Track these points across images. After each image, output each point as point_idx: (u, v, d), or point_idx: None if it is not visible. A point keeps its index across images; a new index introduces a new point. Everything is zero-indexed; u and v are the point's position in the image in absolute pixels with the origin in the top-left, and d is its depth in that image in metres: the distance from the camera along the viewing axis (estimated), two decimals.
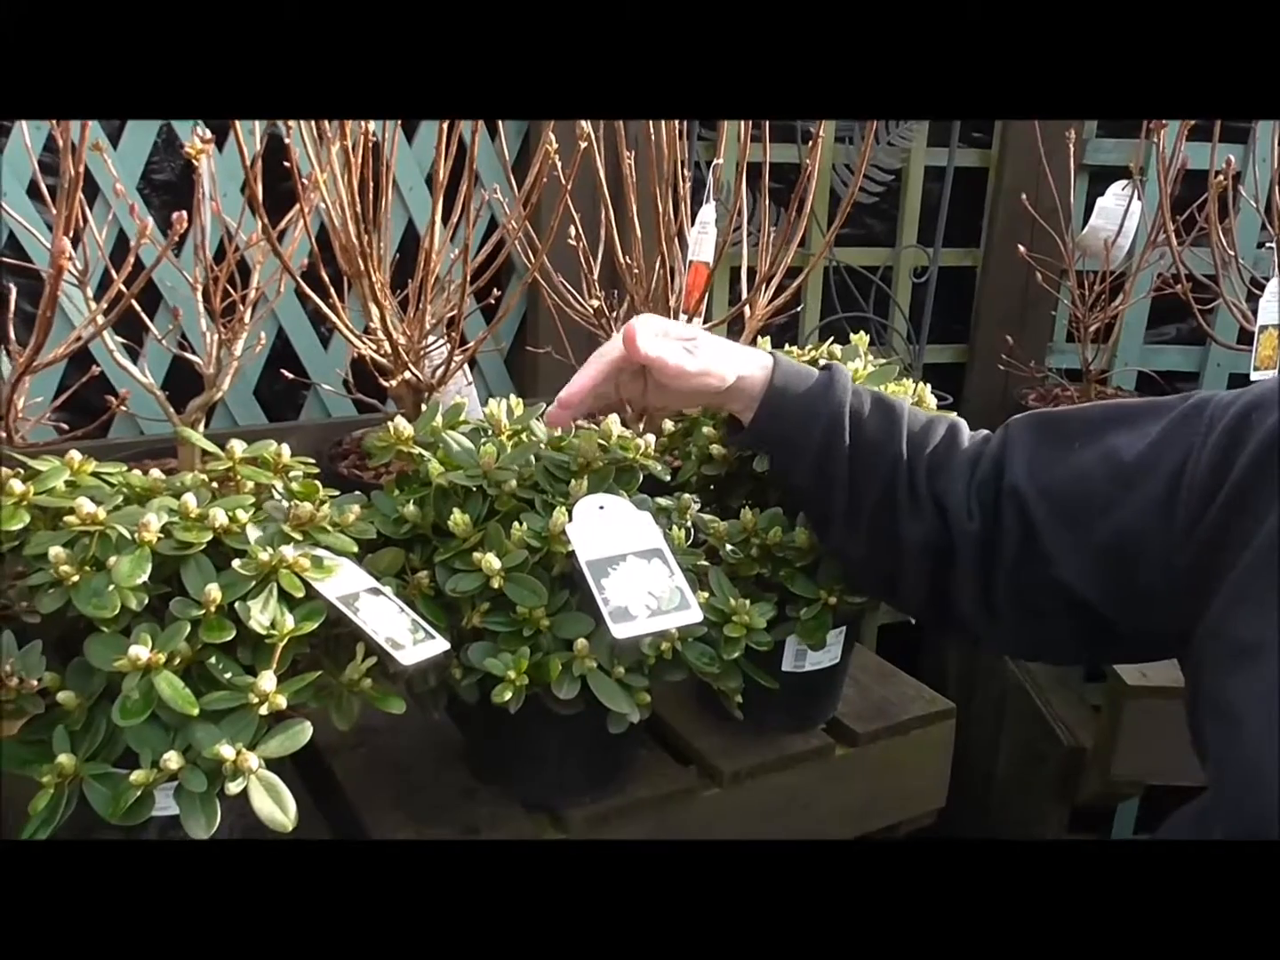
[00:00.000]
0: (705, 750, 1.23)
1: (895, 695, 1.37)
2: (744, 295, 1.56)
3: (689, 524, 1.12)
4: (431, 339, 1.37)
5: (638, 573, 0.96)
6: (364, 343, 1.29)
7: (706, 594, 1.03)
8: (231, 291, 1.34)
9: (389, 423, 1.05)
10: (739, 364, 1.01)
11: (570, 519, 0.98)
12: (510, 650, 0.95)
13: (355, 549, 0.92)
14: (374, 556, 1.00)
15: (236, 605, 0.83)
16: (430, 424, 1.07)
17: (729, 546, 1.12)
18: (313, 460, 1.03)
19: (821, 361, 1.21)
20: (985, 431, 1.04)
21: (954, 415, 1.05)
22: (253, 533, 0.88)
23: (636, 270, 1.45)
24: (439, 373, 1.34)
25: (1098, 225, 1.87)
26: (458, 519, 0.98)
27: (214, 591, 0.83)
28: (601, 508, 1.01)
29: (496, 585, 0.95)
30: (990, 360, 2.17)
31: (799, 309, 2.13)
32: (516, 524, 0.98)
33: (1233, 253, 1.77)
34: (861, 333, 1.30)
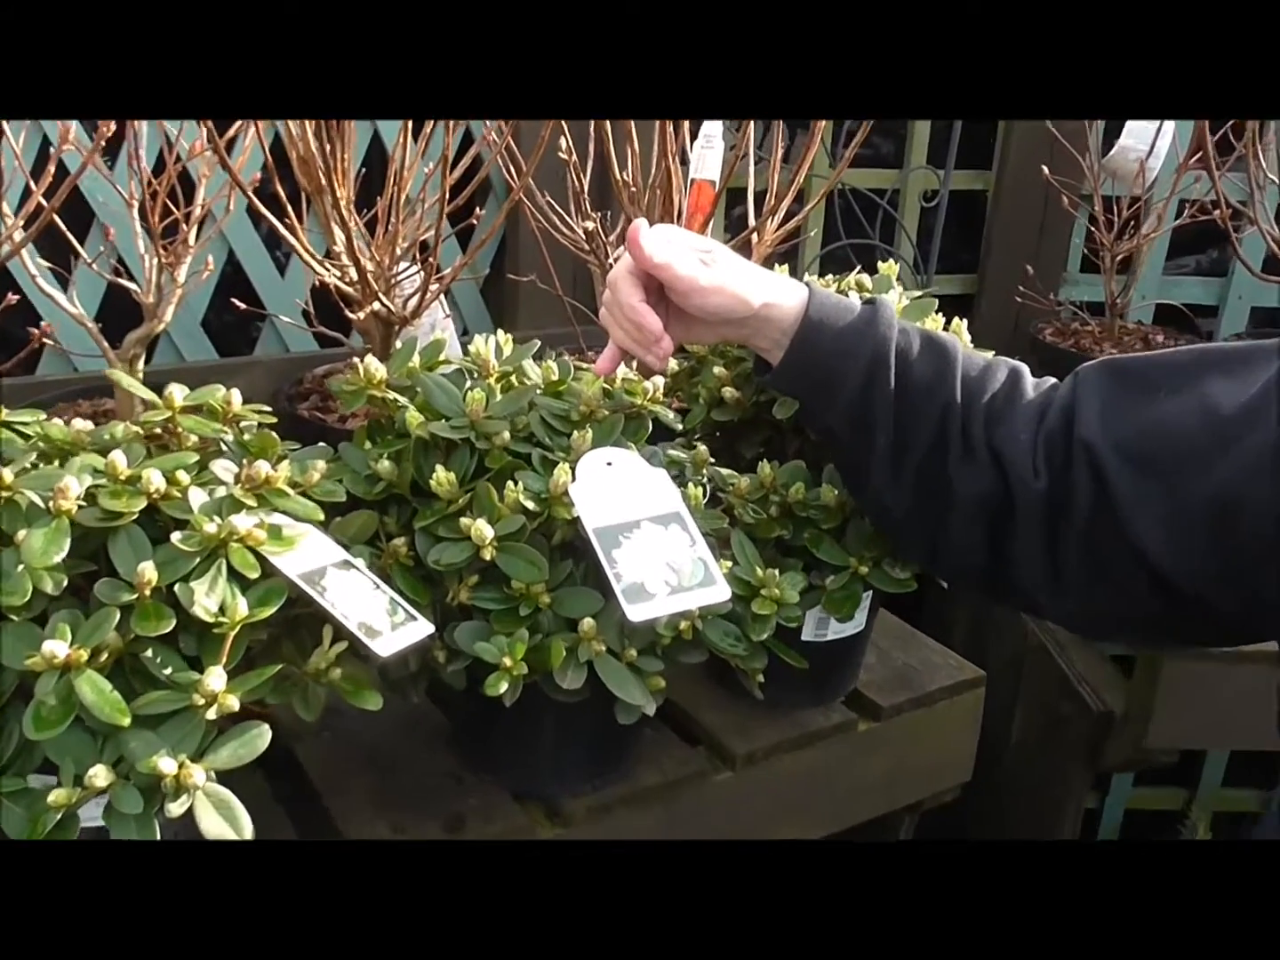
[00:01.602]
0: (715, 728, 1.10)
1: (919, 662, 1.25)
2: (749, 220, 1.41)
3: (705, 480, 0.98)
4: (403, 265, 1.21)
5: (654, 542, 0.82)
6: (327, 269, 1.13)
7: (729, 563, 0.89)
8: (173, 209, 1.17)
9: (358, 362, 0.90)
10: (766, 289, 0.87)
11: (574, 478, 0.84)
12: (505, 632, 0.81)
13: (321, 516, 0.77)
14: (342, 521, 0.86)
15: (177, 588, 0.69)
16: (406, 364, 0.92)
17: (747, 504, 0.98)
18: (269, 408, 0.87)
19: (852, 294, 1.07)
20: (1052, 379, 0.90)
21: (1014, 361, 0.92)
22: (196, 498, 0.73)
23: (634, 189, 1.29)
24: (412, 303, 1.18)
25: (1127, 145, 1.72)
26: (441, 477, 0.83)
27: (149, 571, 0.68)
28: (610, 464, 0.86)
29: (488, 556, 0.81)
30: (1001, 291, 2.03)
31: (800, 237, 1.98)
32: (510, 484, 0.83)
33: (1274, 177, 1.63)
34: (891, 261, 1.15)
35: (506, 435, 0.86)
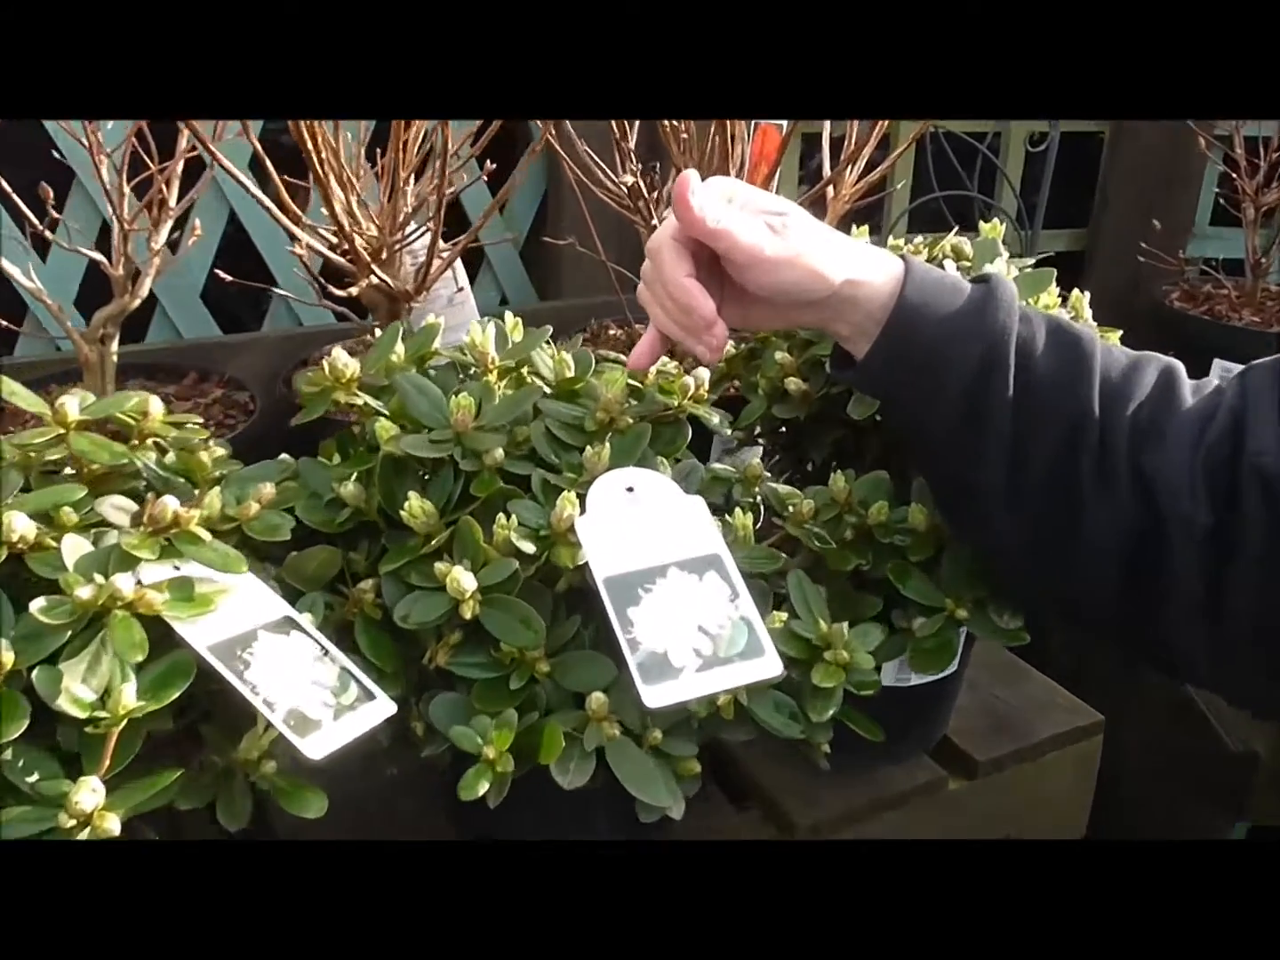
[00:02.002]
0: (773, 789, 0.92)
1: (1023, 702, 1.04)
2: (824, 171, 1.19)
3: (758, 500, 0.78)
4: (414, 228, 1.02)
5: (684, 596, 0.63)
6: (316, 237, 0.95)
7: (783, 615, 0.70)
8: (148, 162, 1.00)
9: (326, 358, 0.72)
10: (850, 263, 0.67)
11: (583, 509, 0.65)
12: (490, 709, 0.63)
13: (243, 567, 0.59)
14: (298, 558, 0.68)
15: (35, 674, 0.52)
16: (385, 358, 0.74)
17: (813, 528, 0.78)
18: (200, 420, 0.70)
19: (949, 264, 0.86)
20: (1215, 381, 0.69)
21: (1166, 357, 0.70)
22: (72, 549, 0.56)
23: (685, 135, 1.09)
24: (422, 274, 1.00)
25: None
26: (414, 507, 0.65)
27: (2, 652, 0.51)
28: (631, 490, 0.67)
29: (469, 614, 0.63)
30: (1118, 248, 1.78)
31: (886, 190, 1.74)
32: (502, 516, 0.65)
33: None
34: (996, 220, 0.93)
35: (499, 453, 0.67)
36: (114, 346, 1.03)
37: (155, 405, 0.67)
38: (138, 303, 1.03)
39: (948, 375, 0.67)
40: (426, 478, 0.69)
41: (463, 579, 0.62)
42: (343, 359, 0.71)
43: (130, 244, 1.00)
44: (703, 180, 0.66)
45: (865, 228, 0.96)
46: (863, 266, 0.67)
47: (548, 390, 0.75)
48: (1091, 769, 1.04)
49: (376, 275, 0.92)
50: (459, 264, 1.08)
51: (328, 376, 0.71)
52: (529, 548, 0.64)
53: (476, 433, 0.68)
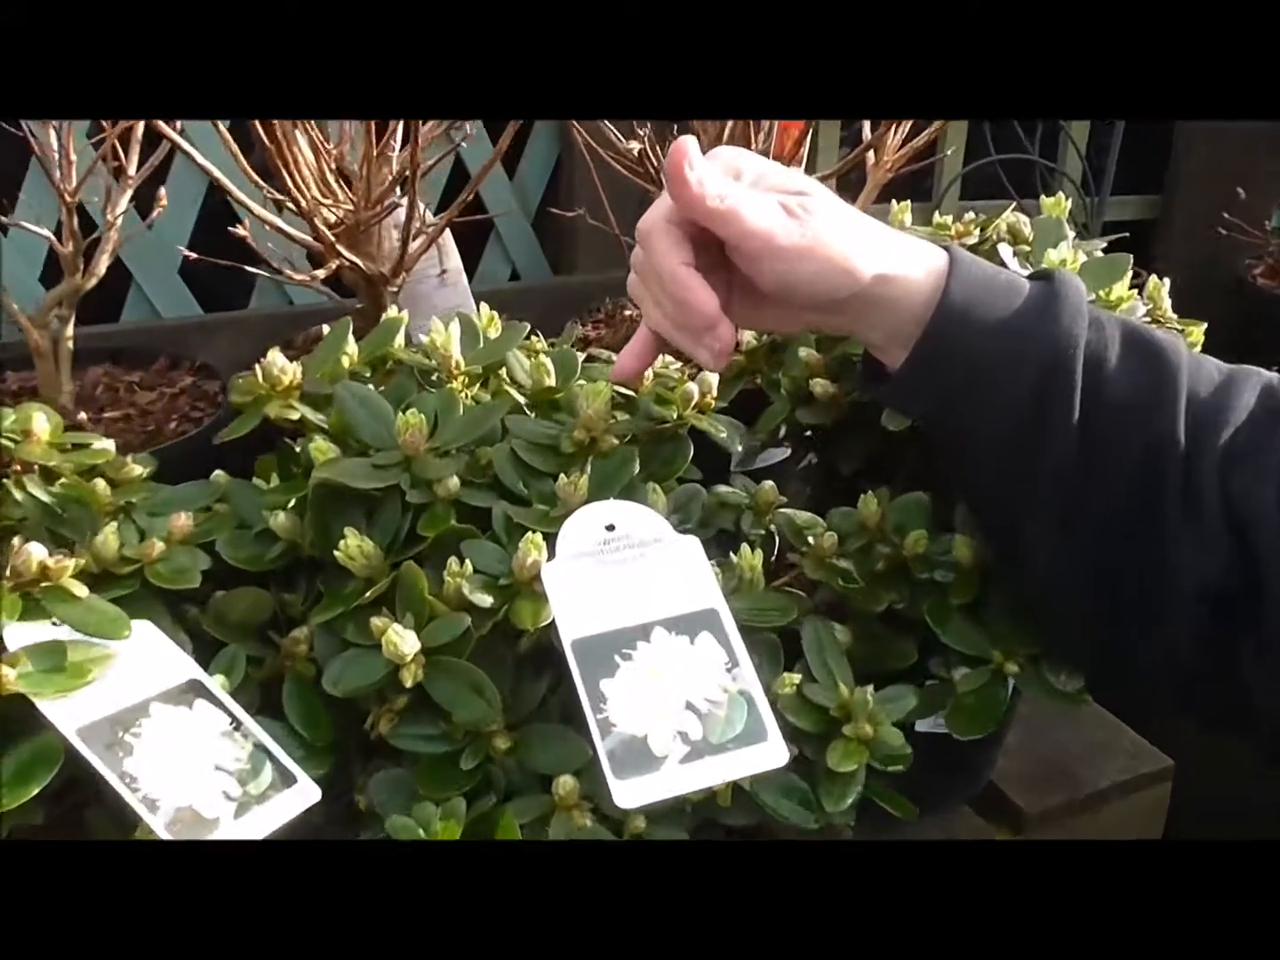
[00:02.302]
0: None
1: (1080, 743, 0.92)
2: (864, 134, 1.06)
3: (770, 529, 0.67)
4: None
5: (670, 663, 0.52)
6: (275, 210, 0.84)
7: (795, 677, 0.59)
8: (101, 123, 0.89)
9: (260, 362, 0.61)
10: (884, 255, 0.55)
11: (550, 553, 0.54)
12: (436, 794, 0.52)
13: (126, 631, 0.49)
14: (222, 600, 0.58)
15: None
16: (332, 360, 0.63)
17: (838, 561, 0.66)
18: (86, 435, 0.60)
19: (1004, 249, 0.73)
20: None
21: (1269, 373, 0.57)
22: None
23: None
24: (410, 251, 0.88)
25: None
26: (351, 547, 0.54)
27: None
28: (611, 527, 0.56)
29: (409, 681, 0.52)
30: (1195, 217, 1.62)
31: (935, 155, 1.60)
32: (454, 562, 0.54)
33: None
34: (1061, 195, 0.80)
35: (454, 482, 0.56)
36: (69, 330, 0.93)
37: (40, 423, 0.56)
38: (93, 282, 0.92)
39: (999, 395, 0.55)
40: (370, 511, 0.57)
41: (402, 639, 0.51)
42: (279, 362, 0.60)
43: (69, 217, 0.89)
44: (706, 150, 0.55)
45: (906, 203, 0.83)
46: (898, 259, 0.55)
47: (523, 400, 0.63)
48: (1158, 821, 0.91)
49: (342, 256, 0.80)
50: (448, 240, 0.96)
51: (261, 383, 0.61)
52: (484, 600, 0.53)
53: (428, 456, 0.57)
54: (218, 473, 0.63)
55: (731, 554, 0.61)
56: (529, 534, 0.54)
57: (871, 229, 0.56)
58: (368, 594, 0.53)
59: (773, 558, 0.68)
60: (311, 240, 0.81)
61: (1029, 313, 0.55)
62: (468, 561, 0.54)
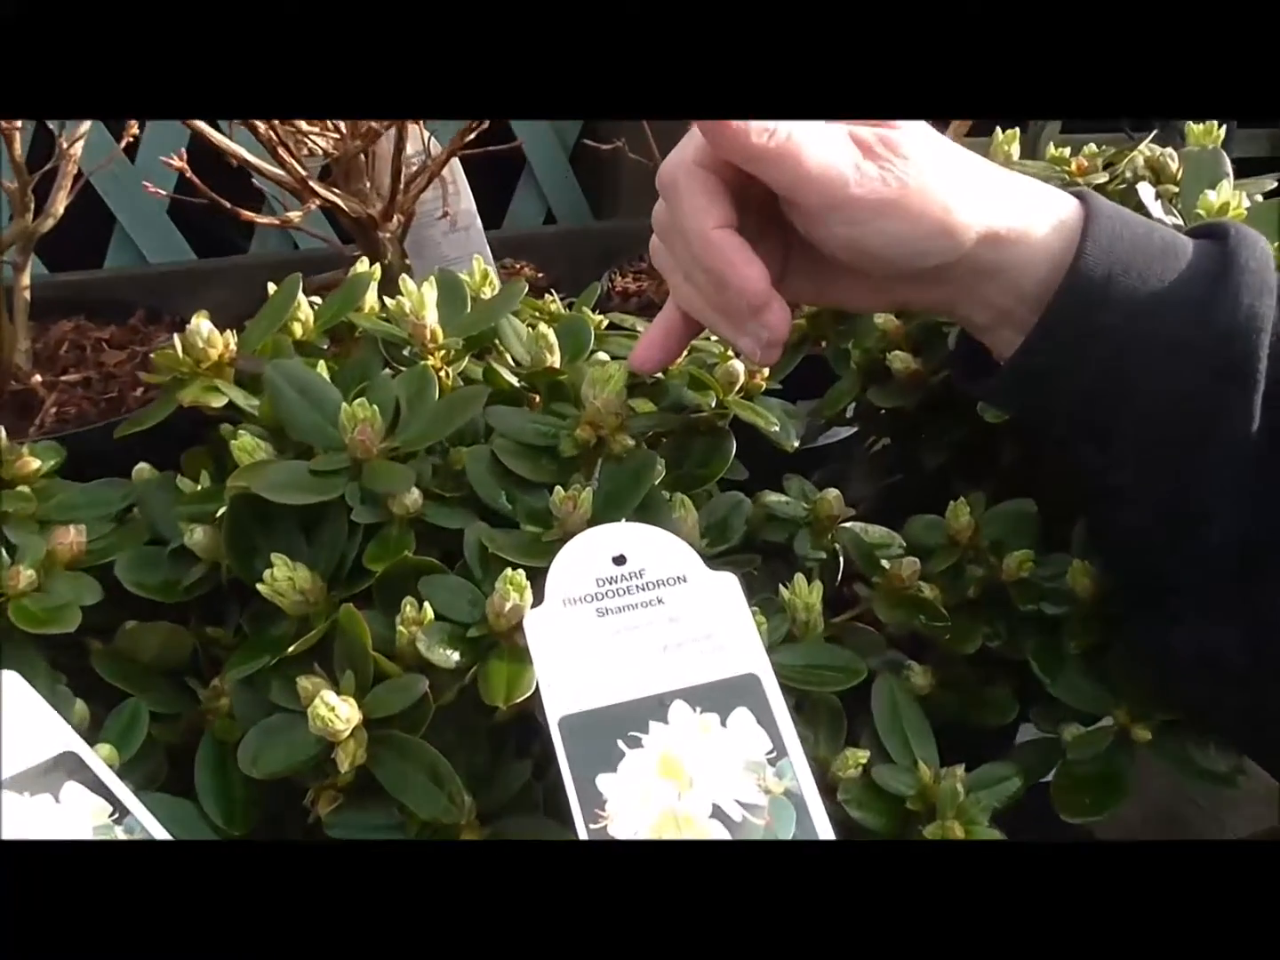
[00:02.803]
0: None
1: (1204, 788, 0.77)
2: None
3: (833, 549, 0.52)
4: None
5: (693, 752, 0.38)
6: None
7: (863, 755, 0.45)
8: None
9: (182, 332, 0.48)
10: (995, 206, 0.42)
11: (540, 595, 0.40)
12: None
13: None
14: (133, 631, 0.46)
15: None
16: (273, 329, 0.49)
17: (922, 588, 0.52)
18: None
19: (1144, 189, 0.57)
20: None
21: None
22: None
23: None
24: (406, 190, 0.74)
25: None
26: (279, 578, 0.41)
27: None
28: (620, 559, 0.42)
29: (347, 763, 0.39)
30: None
31: None
32: (409, 604, 0.41)
33: None
34: (1212, 122, 0.64)
35: (415, 496, 0.43)
36: (25, 279, 0.81)
37: None
38: (50, 223, 0.80)
39: (1151, 396, 0.40)
40: (309, 530, 0.44)
41: (335, 708, 0.38)
42: (204, 330, 0.47)
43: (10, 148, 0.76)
44: None
45: (1014, 132, 0.67)
46: (1014, 211, 0.41)
47: (518, 382, 0.49)
48: None
49: (318, 194, 0.66)
50: (458, 177, 0.82)
51: (181, 359, 0.47)
52: (447, 658, 0.40)
53: (383, 461, 0.43)
54: (140, 468, 0.51)
55: (782, 586, 0.47)
56: (509, 571, 0.40)
57: (978, 171, 0.42)
58: (292, 647, 0.40)
59: (836, 580, 0.54)
60: (282, 174, 0.67)
61: (1196, 286, 0.40)
62: (427, 605, 0.41)
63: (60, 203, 0.80)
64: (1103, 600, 0.52)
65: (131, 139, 0.83)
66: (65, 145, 0.78)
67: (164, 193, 0.80)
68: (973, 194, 0.41)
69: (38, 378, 0.79)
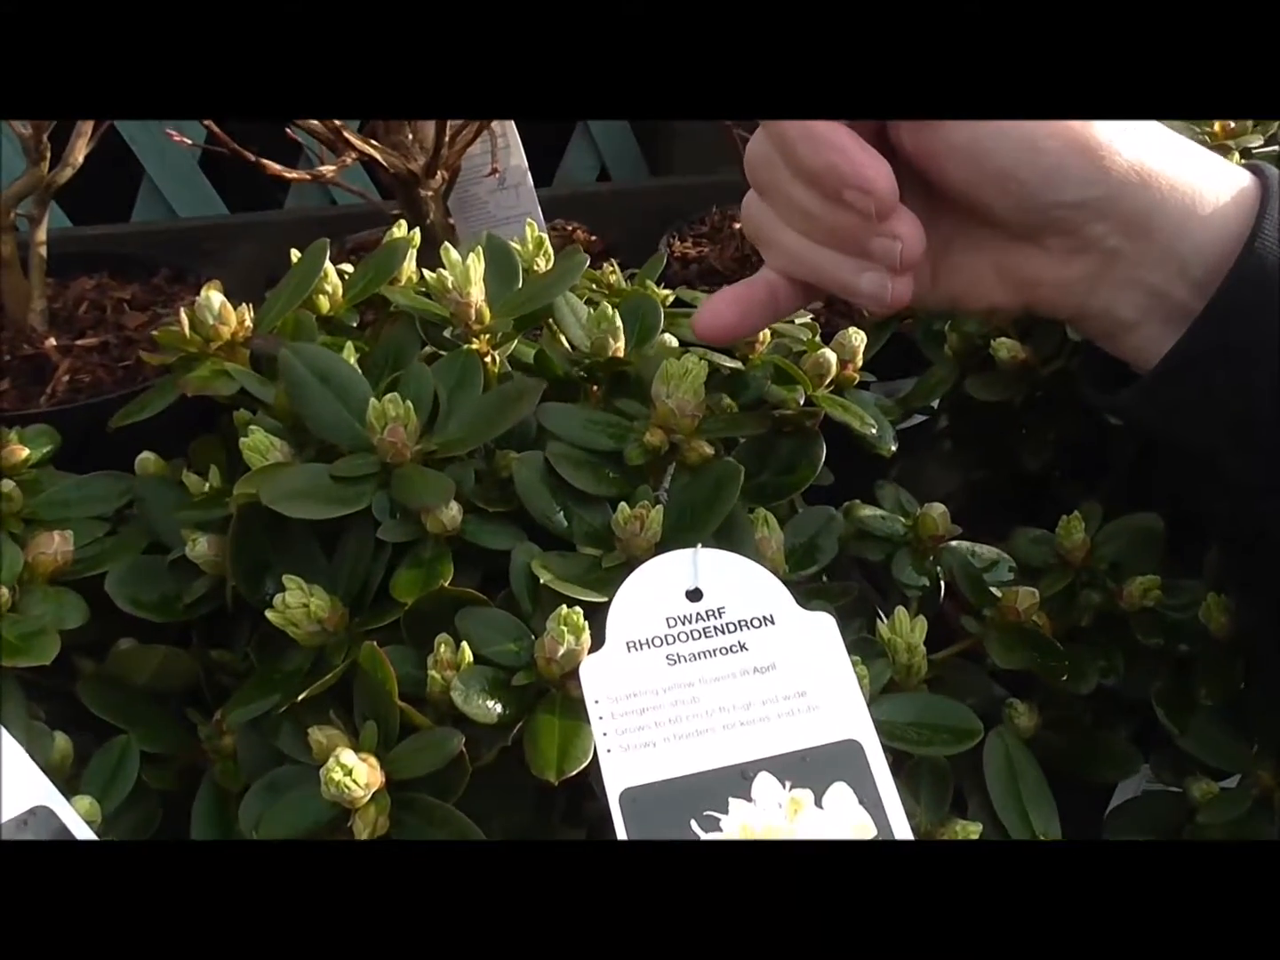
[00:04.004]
0: None
1: None
2: None
3: (938, 578, 0.45)
4: None
5: (776, 832, 0.32)
6: None
7: (975, 828, 0.38)
8: None
9: (192, 305, 0.42)
10: (1151, 139, 0.35)
11: (599, 637, 0.34)
12: None
13: None
14: (120, 659, 0.39)
15: None
16: (294, 304, 0.42)
17: (1029, 614, 0.45)
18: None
19: None
20: None
21: None
22: None
23: None
24: (451, 143, 0.67)
25: None
26: (292, 605, 0.35)
27: None
28: (695, 596, 0.35)
29: (367, 832, 0.33)
30: None
31: None
32: (443, 642, 0.34)
33: None
34: None
35: (455, 511, 0.36)
36: (41, 233, 0.75)
37: None
38: (69, 173, 0.73)
39: None
40: (331, 543, 0.38)
41: (352, 771, 0.32)
42: (214, 304, 0.40)
43: None
44: None
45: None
46: (1175, 157, 0.35)
47: (577, 371, 0.42)
48: None
49: (354, 146, 0.59)
50: (509, 131, 0.75)
51: (189, 336, 0.41)
52: (487, 710, 0.33)
53: (417, 467, 0.36)
54: (144, 458, 0.44)
55: (880, 623, 0.40)
56: (563, 609, 0.33)
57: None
58: (303, 694, 0.34)
59: (941, 599, 0.46)
60: (315, 124, 0.60)
61: None
62: (464, 645, 0.34)
63: (80, 151, 0.73)
64: (1241, 640, 0.45)
65: None
66: None
67: (191, 142, 0.73)
68: (1121, 122, 0.34)
69: (51, 341, 0.73)
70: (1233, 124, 0.54)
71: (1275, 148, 0.52)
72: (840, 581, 0.42)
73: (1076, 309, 0.38)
